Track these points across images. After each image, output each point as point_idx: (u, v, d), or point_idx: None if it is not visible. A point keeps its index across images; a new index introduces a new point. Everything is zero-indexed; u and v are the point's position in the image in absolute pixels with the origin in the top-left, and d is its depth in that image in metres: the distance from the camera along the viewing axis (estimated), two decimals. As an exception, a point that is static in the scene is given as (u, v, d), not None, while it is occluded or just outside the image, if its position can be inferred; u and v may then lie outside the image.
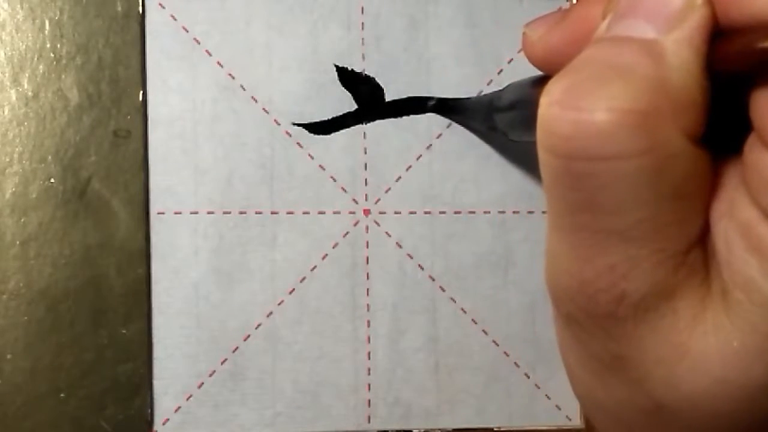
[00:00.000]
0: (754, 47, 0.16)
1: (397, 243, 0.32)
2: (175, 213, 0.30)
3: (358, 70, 0.32)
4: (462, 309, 0.32)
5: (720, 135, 0.17)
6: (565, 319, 0.19)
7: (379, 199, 0.32)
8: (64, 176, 0.30)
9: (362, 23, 0.32)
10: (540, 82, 0.24)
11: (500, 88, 0.29)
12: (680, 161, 0.16)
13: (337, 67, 0.32)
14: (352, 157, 0.32)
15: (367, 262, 0.31)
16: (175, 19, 0.31)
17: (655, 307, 0.17)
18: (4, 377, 0.29)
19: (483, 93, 0.32)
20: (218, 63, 0.31)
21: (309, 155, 0.31)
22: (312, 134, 0.31)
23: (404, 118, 0.32)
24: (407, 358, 0.31)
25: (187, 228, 0.30)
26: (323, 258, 0.31)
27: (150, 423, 0.30)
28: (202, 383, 0.30)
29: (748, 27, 0.16)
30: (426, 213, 0.32)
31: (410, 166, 0.32)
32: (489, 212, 0.32)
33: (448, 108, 0.32)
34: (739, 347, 0.16)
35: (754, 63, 0.16)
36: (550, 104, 0.17)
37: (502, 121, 0.29)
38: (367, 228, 0.32)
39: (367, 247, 0.31)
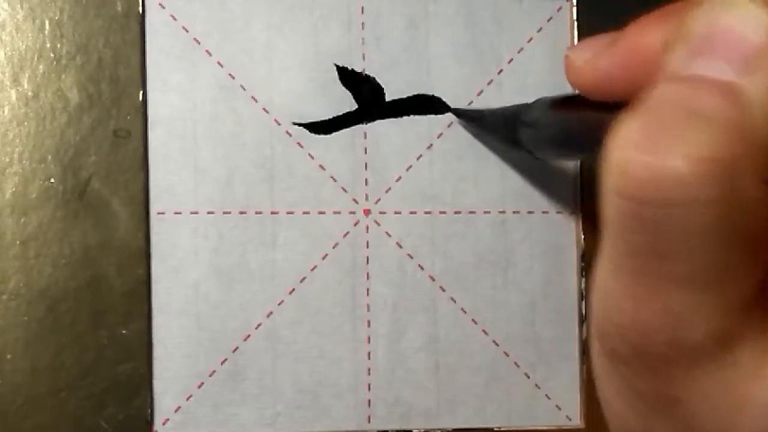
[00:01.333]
0: None
1: (397, 243, 0.32)
2: (175, 213, 0.30)
3: (358, 69, 0.32)
4: (462, 309, 0.32)
5: None
6: (608, 355, 0.18)
7: (379, 199, 0.32)
8: (64, 176, 0.30)
9: (362, 23, 0.32)
10: (573, 102, 0.23)
11: (527, 102, 0.29)
12: (754, 209, 0.16)
13: (337, 66, 0.32)
14: (352, 157, 0.32)
15: (367, 262, 0.31)
16: (175, 19, 0.31)
17: (713, 355, 0.16)
18: (4, 377, 0.29)
19: (505, 105, 0.31)
20: (218, 63, 0.31)
21: (309, 155, 0.31)
22: (312, 134, 0.31)
23: (404, 118, 0.32)
24: (407, 358, 0.31)
25: (187, 228, 0.30)
26: (323, 258, 0.31)
27: (150, 423, 0.30)
28: (202, 383, 0.30)
29: None
30: (426, 213, 0.32)
31: (410, 166, 0.32)
32: (489, 212, 0.32)
33: (465, 117, 0.32)
34: None
35: None
36: (624, 145, 0.16)
37: (528, 137, 0.28)
38: (367, 228, 0.32)
39: (367, 247, 0.31)
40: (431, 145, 0.32)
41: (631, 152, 0.16)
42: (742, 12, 0.16)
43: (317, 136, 0.31)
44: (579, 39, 0.34)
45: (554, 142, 0.27)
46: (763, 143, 0.15)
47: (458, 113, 0.32)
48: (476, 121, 0.32)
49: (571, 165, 0.33)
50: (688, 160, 0.15)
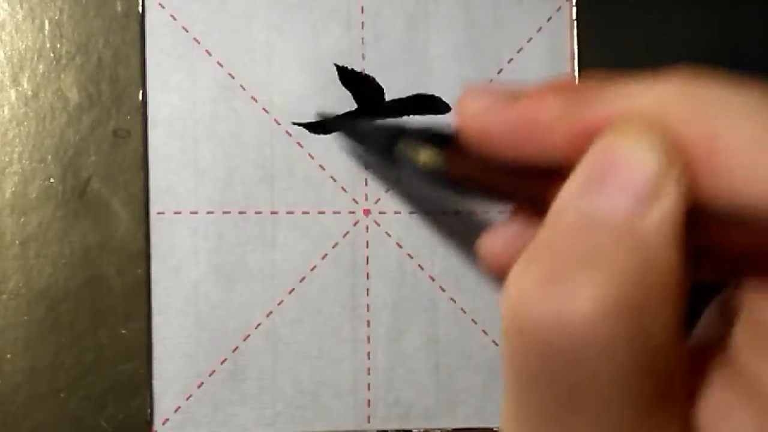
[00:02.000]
0: (743, 241, 0.14)
1: (397, 243, 0.32)
2: (175, 213, 0.30)
3: (358, 69, 0.32)
4: (462, 309, 0.32)
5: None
6: None
7: (379, 199, 0.32)
8: (64, 176, 0.30)
9: (362, 23, 0.32)
10: (448, 142, 0.22)
11: (406, 123, 0.28)
12: (664, 354, 0.14)
13: (337, 66, 0.32)
14: (352, 157, 0.32)
15: (367, 262, 0.31)
16: (175, 19, 0.31)
17: None
18: (4, 377, 0.29)
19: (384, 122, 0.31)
20: (218, 63, 0.31)
21: (309, 155, 0.31)
22: (312, 134, 0.31)
23: (404, 118, 0.32)
24: (407, 358, 0.31)
25: (186, 228, 0.30)
26: (323, 258, 0.31)
27: (150, 423, 0.30)
28: (202, 383, 0.30)
29: (730, 215, 0.14)
30: (426, 213, 0.32)
31: (410, 166, 0.32)
32: (488, 212, 0.32)
33: (342, 128, 0.31)
34: None
35: (741, 259, 0.14)
36: (523, 290, 0.15)
37: (404, 162, 0.28)
38: (367, 228, 0.32)
39: (367, 247, 0.31)
40: (431, 145, 0.32)
41: (531, 300, 0.14)
42: (637, 143, 0.15)
43: (317, 136, 0.31)
44: (579, 39, 0.34)
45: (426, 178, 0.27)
46: (667, 281, 0.14)
47: (334, 124, 0.31)
48: (353, 133, 0.31)
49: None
50: (593, 304, 0.14)
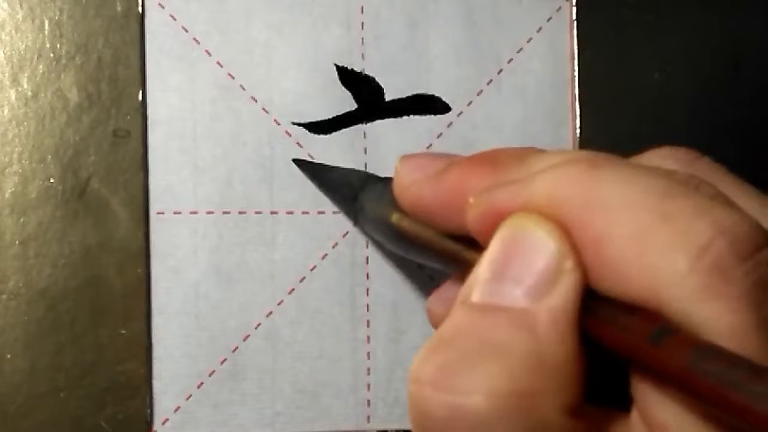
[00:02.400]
0: (626, 339, 0.15)
1: (396, 243, 0.32)
2: (175, 213, 0.30)
3: (358, 69, 0.32)
4: (462, 309, 0.32)
5: (604, 393, 0.16)
6: None
7: (379, 199, 0.32)
8: (64, 176, 0.30)
9: (362, 23, 0.32)
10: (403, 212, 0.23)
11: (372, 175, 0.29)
12: None
13: (337, 66, 0.32)
14: (352, 157, 0.32)
15: (367, 262, 0.31)
16: (175, 19, 0.31)
17: None
18: (4, 377, 0.29)
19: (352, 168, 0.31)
20: (218, 63, 0.31)
21: (309, 155, 0.31)
22: (312, 134, 0.31)
23: (404, 118, 0.32)
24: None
25: (186, 228, 0.30)
26: (323, 258, 0.31)
27: (150, 423, 0.30)
28: (202, 383, 0.30)
29: (621, 305, 0.15)
30: (426, 213, 0.32)
31: (410, 166, 0.32)
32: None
33: (307, 169, 0.31)
34: None
35: (627, 354, 0.15)
36: (421, 384, 0.15)
37: (364, 215, 0.28)
38: (366, 228, 0.32)
39: (367, 247, 0.31)
40: (431, 145, 0.32)
41: (429, 391, 0.15)
42: (532, 236, 0.16)
43: (317, 136, 0.31)
44: (579, 39, 0.34)
45: (376, 232, 0.27)
46: (561, 371, 0.15)
47: (300, 164, 0.31)
48: (318, 175, 0.31)
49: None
50: (488, 396, 0.15)
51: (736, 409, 0.13)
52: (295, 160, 0.31)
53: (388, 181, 0.23)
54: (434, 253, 0.21)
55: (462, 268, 0.20)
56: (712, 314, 0.14)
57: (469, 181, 0.18)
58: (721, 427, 0.14)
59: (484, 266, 0.16)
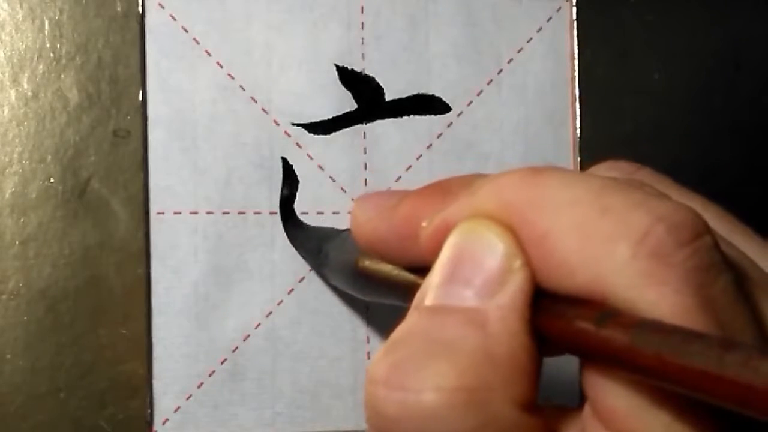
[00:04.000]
0: (574, 327, 0.15)
1: (396, 243, 0.32)
2: (175, 213, 0.30)
3: (358, 69, 0.32)
4: (462, 309, 0.32)
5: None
6: None
7: (378, 199, 0.32)
8: (64, 176, 0.30)
9: (362, 22, 0.32)
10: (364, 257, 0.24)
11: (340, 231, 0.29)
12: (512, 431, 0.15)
13: (337, 66, 0.32)
14: (351, 157, 0.32)
15: (367, 262, 0.31)
16: (175, 19, 0.31)
17: None
18: (4, 377, 0.29)
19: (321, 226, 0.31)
20: (218, 63, 0.31)
21: (308, 155, 0.31)
22: (312, 134, 0.31)
23: (404, 118, 0.32)
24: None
25: (186, 228, 0.30)
26: (323, 258, 0.31)
27: (150, 423, 0.30)
28: (202, 383, 0.30)
29: (567, 298, 0.15)
30: (426, 213, 0.32)
31: (410, 166, 0.32)
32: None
33: (291, 224, 0.31)
34: None
35: (574, 343, 0.15)
36: (375, 383, 0.16)
37: (329, 265, 0.28)
38: (366, 228, 0.32)
39: (367, 247, 0.31)
40: (431, 145, 0.32)
41: (382, 390, 0.16)
42: (480, 239, 0.16)
43: (317, 136, 0.31)
44: (579, 39, 0.34)
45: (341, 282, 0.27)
46: (512, 367, 0.15)
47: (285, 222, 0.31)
48: (289, 232, 0.31)
49: (571, 165, 0.33)
50: (437, 392, 0.15)
51: (675, 372, 0.13)
52: (284, 219, 0.31)
53: (349, 230, 0.24)
54: (396, 288, 0.21)
55: None
56: (656, 298, 0.14)
57: (421, 210, 0.19)
58: (667, 406, 0.14)
59: (435, 271, 0.17)
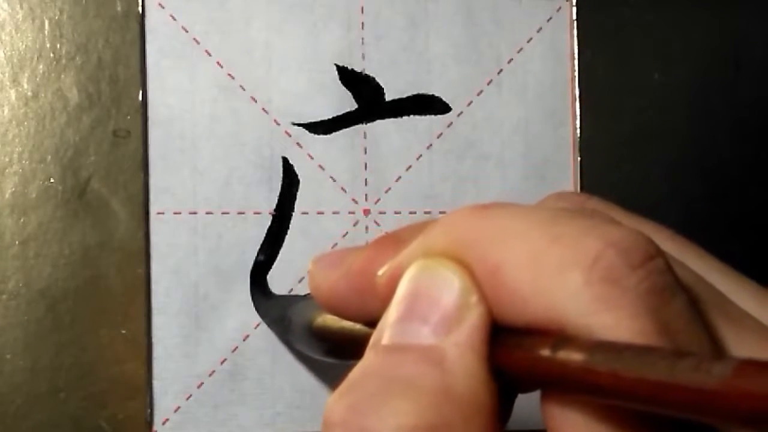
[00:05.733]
0: (531, 356, 0.15)
1: (396, 243, 0.32)
2: (175, 213, 0.30)
3: (358, 69, 0.32)
4: (462, 309, 0.32)
5: None
6: None
7: (379, 199, 0.32)
8: (64, 176, 0.30)
9: (362, 23, 0.32)
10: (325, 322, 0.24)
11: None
12: None
13: (337, 66, 0.32)
14: (352, 157, 0.32)
15: (367, 262, 0.31)
16: (175, 19, 0.31)
17: None
18: (3, 377, 0.29)
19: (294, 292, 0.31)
20: (218, 63, 0.31)
21: (309, 155, 0.31)
22: (312, 134, 0.31)
23: (404, 118, 0.32)
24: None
25: (186, 228, 0.30)
26: (323, 258, 0.31)
27: (150, 423, 0.30)
28: (202, 383, 0.30)
29: (525, 331, 0.15)
30: (426, 213, 0.32)
31: (410, 166, 0.32)
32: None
33: (259, 294, 0.31)
34: None
35: (531, 373, 0.15)
36: (331, 426, 0.16)
37: (294, 331, 0.28)
38: (366, 228, 0.32)
39: (367, 247, 0.31)
40: (431, 145, 0.32)
41: (339, 428, 0.15)
42: (435, 275, 0.16)
43: (317, 136, 0.31)
44: (579, 39, 0.34)
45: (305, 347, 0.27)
46: (470, 404, 0.15)
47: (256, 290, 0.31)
48: (260, 301, 0.31)
49: (571, 165, 0.33)
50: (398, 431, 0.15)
51: (630, 386, 0.13)
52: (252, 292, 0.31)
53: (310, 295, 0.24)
54: (358, 344, 0.21)
55: None
56: (612, 323, 0.14)
57: (375, 261, 0.19)
58: (626, 427, 0.14)
59: (391, 309, 0.17)
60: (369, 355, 0.17)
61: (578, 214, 0.16)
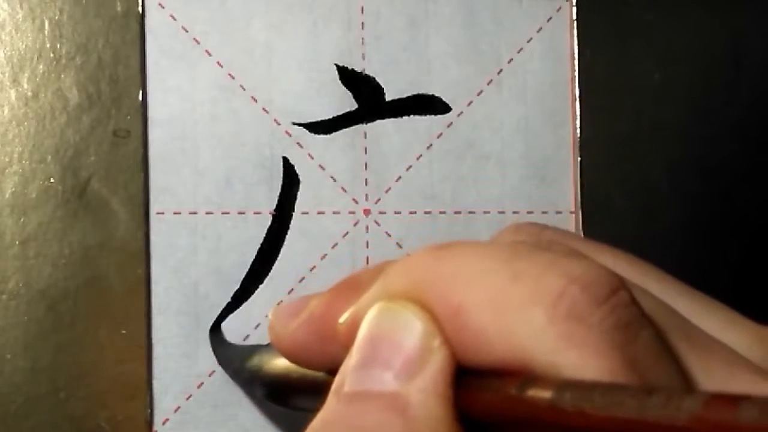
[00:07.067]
0: (497, 398, 0.14)
1: (397, 243, 0.32)
2: (175, 213, 0.30)
3: (358, 69, 0.32)
4: (462, 309, 0.32)
5: None
6: None
7: (379, 199, 0.32)
8: (64, 176, 0.30)
9: (362, 23, 0.32)
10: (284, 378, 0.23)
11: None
12: None
13: (337, 66, 0.32)
14: (352, 157, 0.32)
15: (367, 262, 0.31)
16: (175, 19, 0.31)
17: None
18: (4, 377, 0.29)
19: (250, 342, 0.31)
20: (218, 63, 0.31)
21: (309, 155, 0.31)
22: (312, 134, 0.31)
23: (404, 118, 0.32)
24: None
25: (186, 228, 0.30)
26: (322, 258, 0.31)
27: (150, 423, 0.30)
28: (202, 383, 0.30)
29: (490, 372, 0.15)
30: (426, 213, 0.32)
31: (410, 166, 0.32)
32: (489, 212, 0.32)
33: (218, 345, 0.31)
34: None
35: (498, 414, 0.15)
36: None
37: (254, 379, 0.28)
38: (367, 228, 0.32)
39: (367, 247, 0.31)
40: (431, 145, 0.32)
41: None
42: (397, 319, 0.16)
43: (317, 136, 0.31)
44: (579, 39, 0.34)
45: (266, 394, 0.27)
46: None
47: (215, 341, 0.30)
48: (220, 352, 0.30)
49: (571, 164, 0.33)
50: None
51: (598, 425, 0.13)
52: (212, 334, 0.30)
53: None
54: (322, 392, 0.21)
55: None
56: (577, 362, 0.14)
57: (335, 308, 0.18)
58: None
59: (353, 353, 0.16)
60: (331, 402, 0.16)
61: (537, 249, 0.16)
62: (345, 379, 0.16)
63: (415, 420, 0.15)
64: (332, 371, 0.19)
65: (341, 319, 0.18)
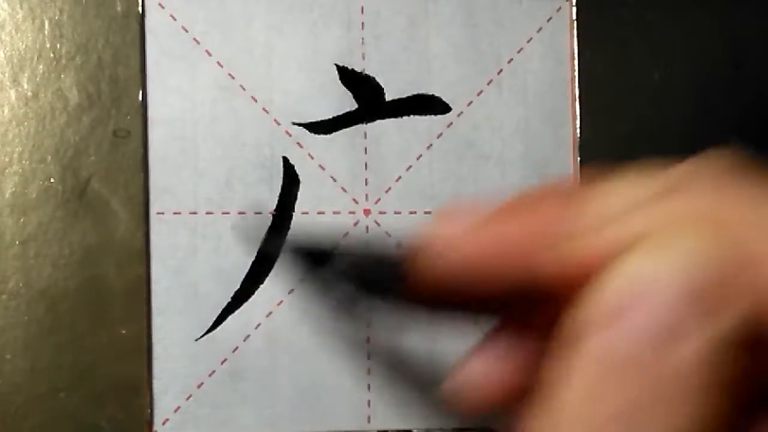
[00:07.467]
0: None
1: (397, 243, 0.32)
2: (175, 213, 0.30)
3: (358, 69, 0.32)
4: (462, 309, 0.32)
5: None
6: None
7: (379, 199, 0.32)
8: (64, 176, 0.30)
9: (362, 23, 0.32)
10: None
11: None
12: None
13: (337, 66, 0.32)
14: (352, 157, 0.32)
15: (367, 262, 0.31)
16: (175, 19, 0.31)
17: None
18: (4, 377, 0.29)
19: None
20: (218, 63, 0.31)
21: (309, 155, 0.31)
22: (312, 134, 0.31)
23: (404, 118, 0.32)
24: (407, 358, 0.31)
25: (186, 228, 0.30)
26: (323, 258, 0.31)
27: (150, 423, 0.30)
28: (202, 383, 0.30)
29: None
30: (426, 213, 0.32)
31: (410, 166, 0.32)
32: (489, 212, 0.32)
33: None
34: None
35: None
36: None
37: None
38: (367, 228, 0.32)
39: (367, 247, 0.31)
40: (431, 145, 0.32)
41: None
42: (678, 262, 0.12)
43: (317, 136, 0.31)
44: (579, 39, 0.34)
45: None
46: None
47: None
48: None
49: (571, 164, 0.33)
50: None
51: None
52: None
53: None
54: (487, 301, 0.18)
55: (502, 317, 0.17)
56: None
57: (536, 231, 0.15)
58: None
59: (598, 310, 0.13)
60: (571, 366, 0.13)
61: None
62: (582, 341, 0.13)
63: (680, 396, 0.12)
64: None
65: (548, 244, 0.14)
